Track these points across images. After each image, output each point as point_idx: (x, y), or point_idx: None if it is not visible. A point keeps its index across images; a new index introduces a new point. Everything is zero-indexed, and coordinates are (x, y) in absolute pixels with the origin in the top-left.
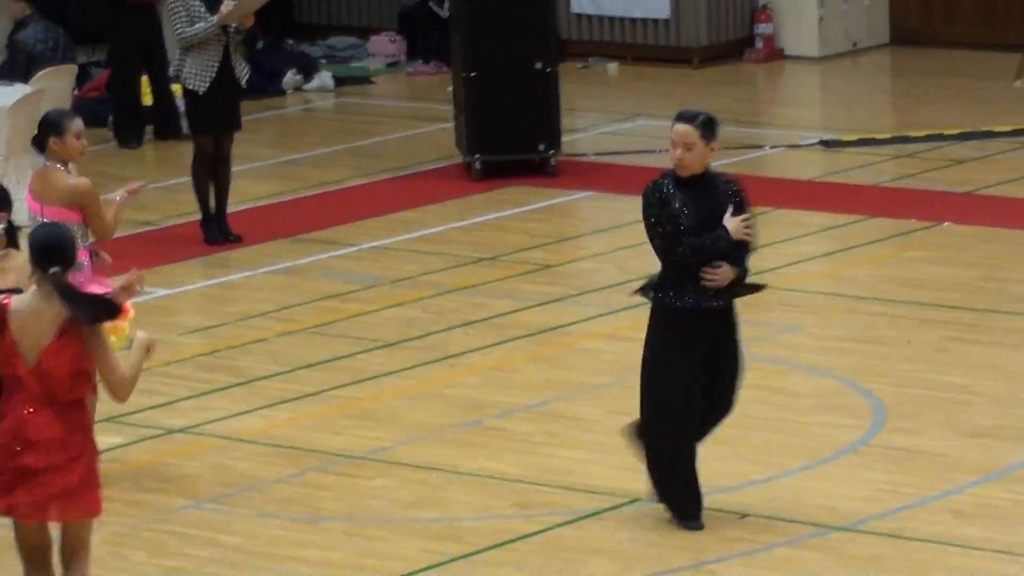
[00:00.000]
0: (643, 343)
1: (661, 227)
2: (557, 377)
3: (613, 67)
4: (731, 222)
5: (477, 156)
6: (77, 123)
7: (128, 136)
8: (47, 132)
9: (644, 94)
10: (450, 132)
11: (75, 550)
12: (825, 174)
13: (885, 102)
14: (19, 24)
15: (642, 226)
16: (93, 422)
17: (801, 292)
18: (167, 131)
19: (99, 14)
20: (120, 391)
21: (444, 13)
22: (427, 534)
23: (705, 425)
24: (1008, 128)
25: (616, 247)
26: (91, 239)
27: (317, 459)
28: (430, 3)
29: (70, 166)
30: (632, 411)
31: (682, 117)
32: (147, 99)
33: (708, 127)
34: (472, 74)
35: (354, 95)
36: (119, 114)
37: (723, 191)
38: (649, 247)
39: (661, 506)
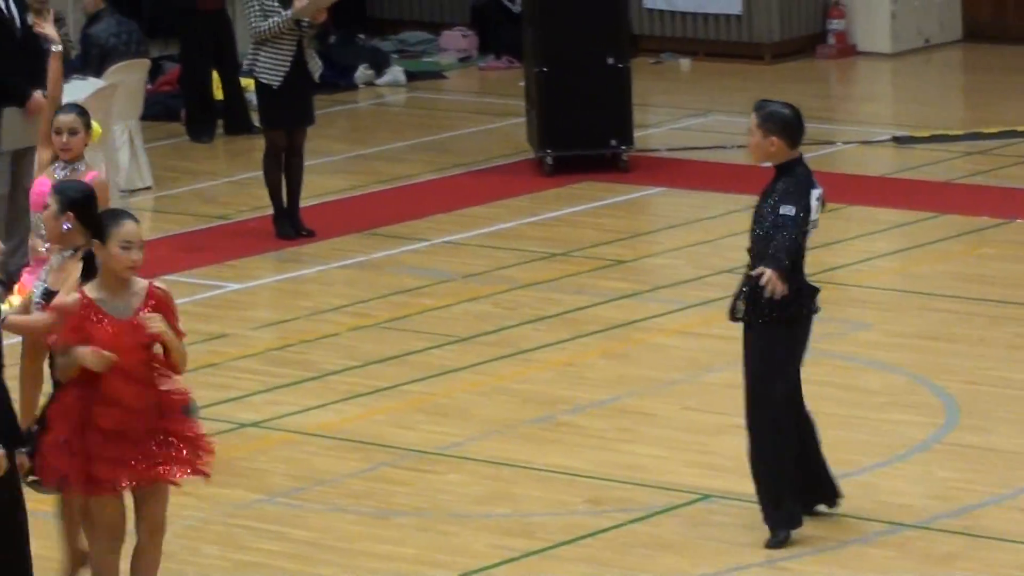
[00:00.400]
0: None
1: None
2: (629, 373)
3: (686, 63)
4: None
5: (549, 151)
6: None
7: (200, 131)
8: None
9: (716, 90)
10: (522, 127)
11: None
12: (897, 171)
13: (957, 98)
14: (93, 18)
15: (716, 221)
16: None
17: (873, 289)
18: (238, 126)
19: (171, 10)
20: None
21: (516, 8)
22: (499, 529)
23: None
24: None
25: (689, 243)
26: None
27: (389, 454)
28: None
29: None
30: (704, 406)
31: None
32: (218, 94)
33: (767, 118)
34: (544, 69)
35: (426, 90)
36: (191, 109)
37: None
38: (724, 242)
39: (727, 502)
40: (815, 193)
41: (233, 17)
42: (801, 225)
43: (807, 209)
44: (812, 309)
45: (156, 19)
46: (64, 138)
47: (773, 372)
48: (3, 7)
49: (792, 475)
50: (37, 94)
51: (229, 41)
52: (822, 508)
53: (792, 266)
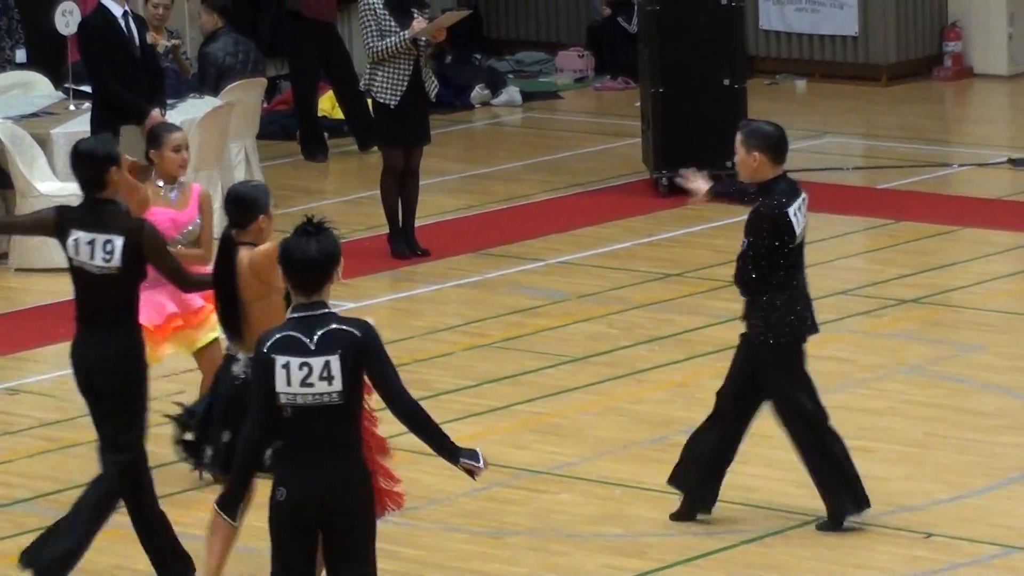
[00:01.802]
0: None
1: None
2: None
3: (801, 84)
4: None
5: (664, 172)
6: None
7: (313, 149)
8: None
9: (832, 111)
10: (637, 148)
11: None
12: (1013, 193)
13: None
14: (210, 37)
15: (831, 243)
16: None
17: (988, 311)
18: (368, 142)
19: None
20: None
21: (632, 28)
22: (611, 549)
23: None
24: None
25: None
26: None
27: (502, 473)
28: (619, 18)
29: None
30: None
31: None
32: (335, 112)
33: (750, 134)
34: (660, 90)
35: (542, 110)
36: (304, 128)
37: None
38: (838, 264)
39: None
40: (795, 205)
41: (349, 34)
42: (757, 252)
43: (773, 232)
44: (801, 333)
45: (273, 39)
46: (184, 153)
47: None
48: (123, 26)
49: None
50: (155, 112)
51: (340, 54)
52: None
53: (774, 287)
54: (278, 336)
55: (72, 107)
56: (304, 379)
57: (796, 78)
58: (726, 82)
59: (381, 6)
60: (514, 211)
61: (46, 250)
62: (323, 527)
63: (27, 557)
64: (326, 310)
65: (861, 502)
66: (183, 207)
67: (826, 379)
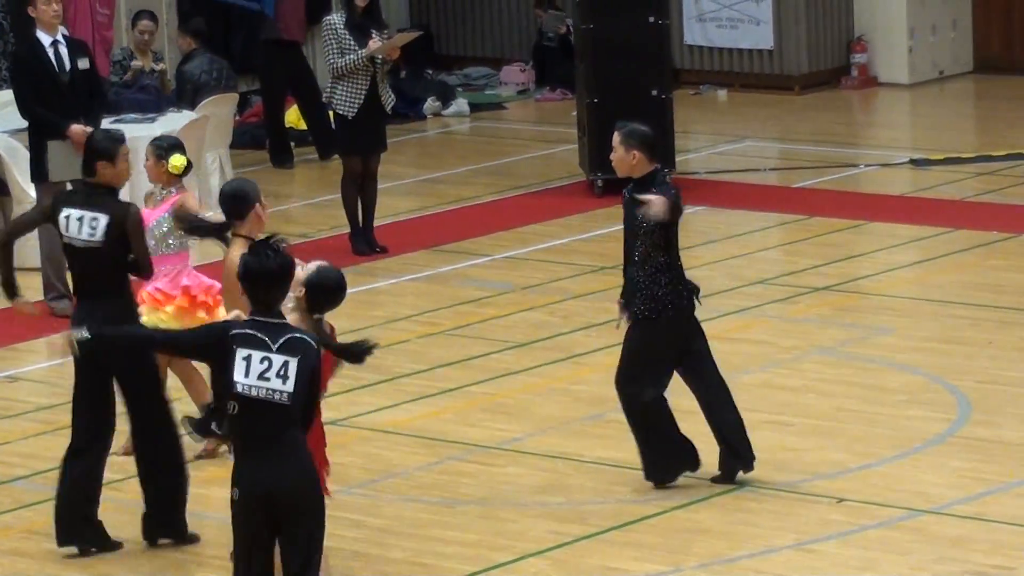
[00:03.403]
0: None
1: None
2: None
3: (722, 93)
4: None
5: (599, 174)
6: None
7: (281, 158)
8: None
9: (750, 118)
10: (575, 153)
11: None
12: (914, 190)
13: (969, 124)
14: (187, 57)
15: (751, 237)
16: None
17: (892, 297)
18: (329, 151)
19: (258, 48)
20: None
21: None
22: (554, 516)
23: None
24: None
25: (726, 256)
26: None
27: (455, 449)
28: (570, 36)
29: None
30: (739, 404)
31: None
32: (300, 124)
33: (629, 134)
34: (595, 100)
35: (488, 119)
36: (273, 138)
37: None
38: (757, 256)
39: (759, 491)
40: (671, 194)
41: (313, 53)
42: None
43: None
44: (685, 306)
45: (244, 58)
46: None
47: (641, 369)
48: (51, 54)
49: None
50: (75, 126)
51: (306, 72)
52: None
53: (661, 268)
54: (240, 331)
55: None
56: (262, 373)
57: (718, 88)
58: (654, 92)
59: (342, 27)
60: (463, 211)
61: (32, 256)
62: (277, 520)
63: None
64: (284, 320)
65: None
66: (158, 207)
67: (747, 360)
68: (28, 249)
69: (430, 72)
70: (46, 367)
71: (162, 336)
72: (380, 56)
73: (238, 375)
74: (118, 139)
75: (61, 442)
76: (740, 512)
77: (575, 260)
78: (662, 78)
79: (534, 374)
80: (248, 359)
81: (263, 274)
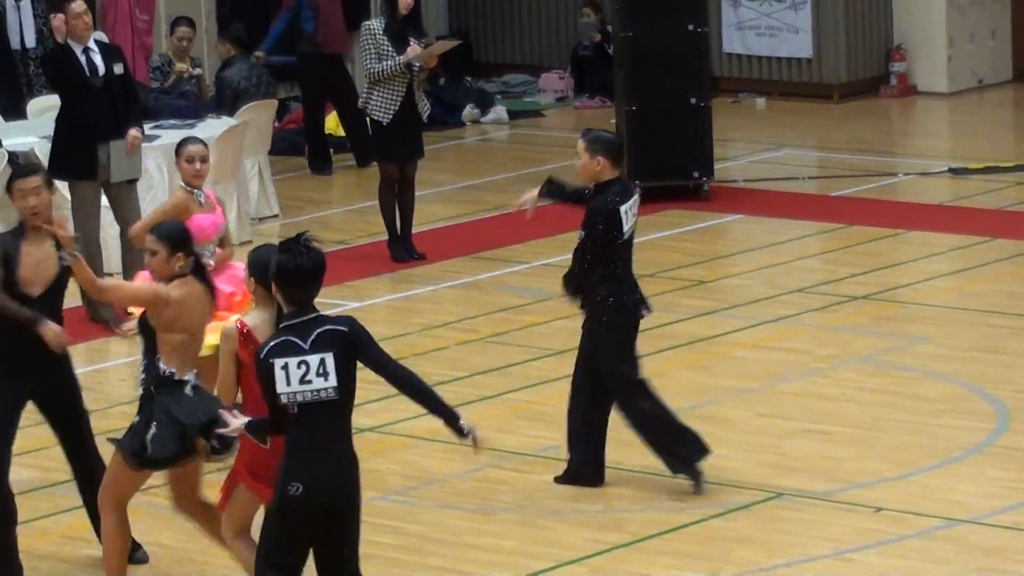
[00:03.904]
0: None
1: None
2: (709, 382)
3: (761, 102)
4: None
5: (637, 182)
6: (189, 149)
7: (320, 165)
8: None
9: (789, 127)
10: None
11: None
12: (953, 199)
13: (1008, 133)
14: (226, 63)
15: (789, 245)
16: None
17: (931, 306)
18: (367, 158)
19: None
20: None
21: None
22: (592, 524)
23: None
24: None
25: (763, 265)
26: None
27: (493, 456)
28: (606, 44)
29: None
30: (776, 412)
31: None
32: (339, 131)
33: (593, 141)
34: (633, 108)
35: (526, 127)
36: (312, 145)
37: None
38: (796, 264)
39: (797, 500)
40: (627, 204)
41: (352, 61)
42: (594, 244)
43: (606, 226)
44: (633, 316)
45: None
46: (197, 165)
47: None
48: (83, 60)
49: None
50: (131, 131)
51: (347, 84)
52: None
53: (604, 278)
54: (269, 344)
55: None
56: (303, 377)
57: (756, 96)
58: (693, 100)
59: (381, 32)
60: (502, 218)
61: None
62: (331, 513)
63: None
64: (315, 314)
65: (700, 450)
66: (210, 210)
67: (785, 368)
68: None
69: (469, 79)
70: (86, 372)
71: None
72: (417, 63)
73: (280, 387)
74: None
75: (99, 447)
76: (778, 521)
77: None
78: (701, 86)
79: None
80: (286, 368)
81: (297, 271)
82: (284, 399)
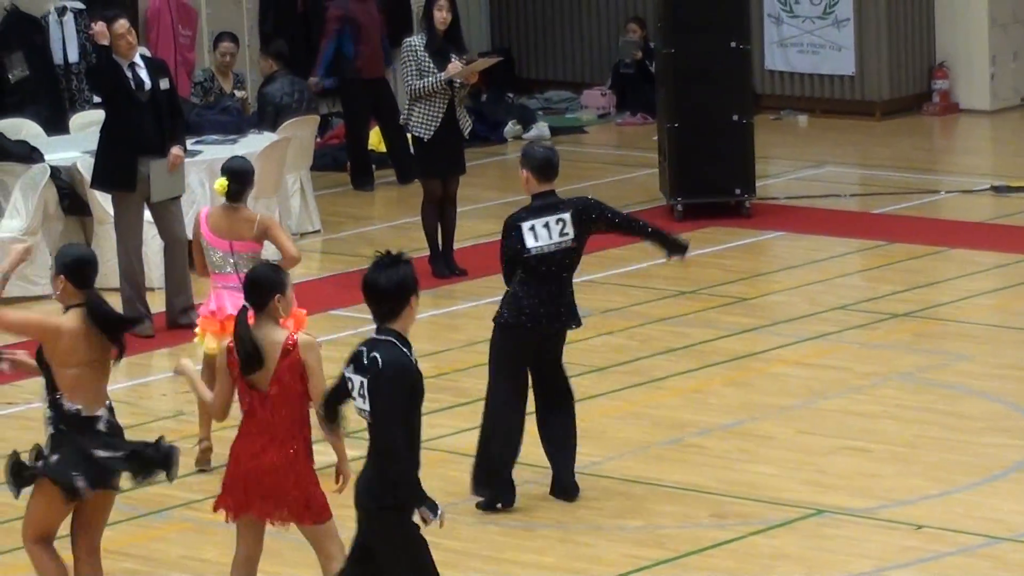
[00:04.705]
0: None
1: None
2: (750, 399)
3: (803, 119)
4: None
5: (679, 199)
6: None
7: (362, 180)
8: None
9: (831, 144)
10: (655, 177)
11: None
12: (995, 217)
13: None
14: (268, 79)
15: (830, 262)
16: None
17: (973, 324)
18: (408, 176)
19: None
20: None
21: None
22: (632, 541)
23: None
24: None
25: (805, 282)
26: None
27: (533, 472)
28: (647, 61)
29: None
30: (817, 429)
31: None
32: (381, 147)
33: (523, 155)
34: (675, 125)
35: (568, 143)
36: (355, 161)
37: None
38: (837, 281)
39: (837, 517)
40: (537, 221)
41: (394, 76)
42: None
43: (507, 239)
44: (522, 327)
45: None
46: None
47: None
48: (129, 74)
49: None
50: (174, 149)
51: (390, 103)
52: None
53: (519, 282)
54: (349, 361)
55: None
56: (357, 392)
57: (798, 114)
58: (735, 117)
59: (422, 48)
60: None
61: (112, 276)
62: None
63: None
64: (386, 338)
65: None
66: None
67: (826, 385)
68: (108, 270)
69: (511, 96)
70: (125, 387)
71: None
72: (458, 80)
73: (357, 402)
74: None
75: None
76: (818, 538)
77: (654, 284)
78: (743, 103)
79: (613, 398)
80: (351, 381)
81: (382, 288)
82: (358, 415)
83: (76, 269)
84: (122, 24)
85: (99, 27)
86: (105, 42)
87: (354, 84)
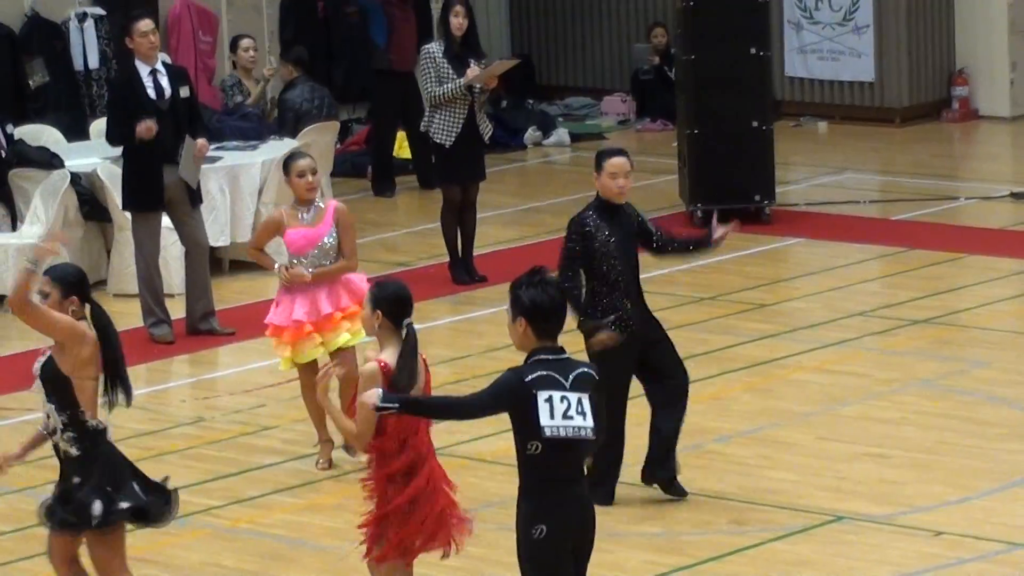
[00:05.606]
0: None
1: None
2: (770, 406)
3: (823, 125)
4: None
5: (699, 205)
6: (299, 164)
7: (383, 186)
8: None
9: (850, 150)
10: (674, 183)
11: None
12: (1014, 223)
13: None
14: (288, 85)
15: (850, 269)
16: None
17: (992, 331)
18: (431, 182)
19: (360, 77)
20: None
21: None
22: (651, 547)
23: None
24: None
25: (825, 288)
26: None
27: None
28: (664, 67)
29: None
30: (837, 436)
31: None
32: (404, 152)
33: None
34: (695, 131)
35: (588, 150)
36: (377, 166)
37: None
38: (857, 288)
39: (857, 523)
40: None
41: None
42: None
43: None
44: None
45: (346, 86)
46: (309, 177)
47: None
48: (149, 83)
49: None
50: (201, 140)
51: (417, 102)
52: None
53: None
54: (534, 375)
55: None
56: (565, 412)
57: (818, 120)
58: (755, 124)
59: (440, 55)
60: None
61: (132, 282)
62: (576, 551)
63: None
64: (567, 354)
65: None
66: (317, 223)
67: (846, 392)
68: (127, 276)
69: (531, 102)
70: (145, 392)
71: (459, 401)
72: (478, 85)
73: (544, 419)
74: None
75: (159, 468)
76: (838, 544)
77: (674, 291)
78: (763, 110)
79: (632, 404)
80: (550, 400)
81: (551, 307)
82: (548, 432)
83: (78, 283)
84: (147, 23)
85: (143, 126)
86: (148, 137)
87: (384, 77)
